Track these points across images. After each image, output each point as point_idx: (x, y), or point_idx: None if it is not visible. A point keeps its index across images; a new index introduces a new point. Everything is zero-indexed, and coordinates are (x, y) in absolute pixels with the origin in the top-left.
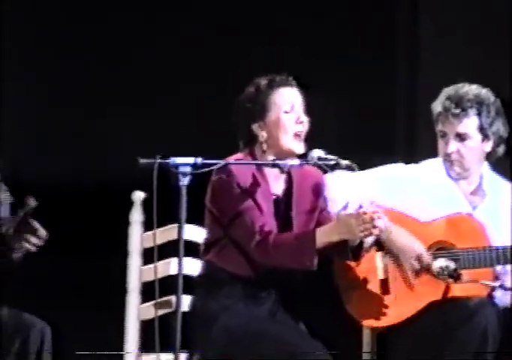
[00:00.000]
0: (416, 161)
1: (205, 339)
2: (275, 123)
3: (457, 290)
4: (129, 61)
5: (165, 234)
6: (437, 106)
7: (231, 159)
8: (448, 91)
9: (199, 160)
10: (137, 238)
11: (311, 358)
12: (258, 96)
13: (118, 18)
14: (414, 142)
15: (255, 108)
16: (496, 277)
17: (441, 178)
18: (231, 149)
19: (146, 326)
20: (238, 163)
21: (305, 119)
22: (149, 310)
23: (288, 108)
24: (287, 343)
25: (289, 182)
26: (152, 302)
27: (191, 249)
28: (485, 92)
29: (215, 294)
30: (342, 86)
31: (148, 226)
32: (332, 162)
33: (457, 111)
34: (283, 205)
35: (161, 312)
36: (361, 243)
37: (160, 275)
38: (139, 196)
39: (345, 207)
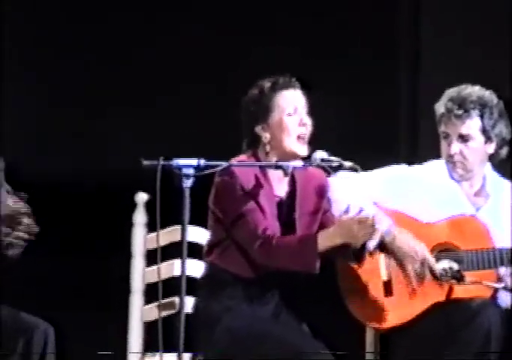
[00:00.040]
0: (416, 161)
1: (208, 340)
2: (278, 125)
3: (460, 292)
4: (129, 61)
5: (168, 235)
6: (440, 108)
7: (234, 161)
8: (451, 92)
9: (202, 161)
10: (140, 239)
11: (313, 359)
12: (262, 98)
13: (118, 18)
14: (415, 142)
15: (258, 110)
16: (500, 279)
17: (444, 179)
18: (231, 149)
19: (149, 327)
20: (241, 165)
21: (308, 121)
22: (153, 312)
23: (291, 110)
24: (290, 344)
25: (292, 184)
26: (156, 303)
27: (194, 250)
28: (488, 94)
29: (217, 295)
30: (342, 86)
31: (151, 227)
32: (336, 164)
33: (460, 112)
34: (286, 207)
35: (164, 313)
36: (363, 246)
37: (163, 277)
38: (142, 197)
39: (347, 210)
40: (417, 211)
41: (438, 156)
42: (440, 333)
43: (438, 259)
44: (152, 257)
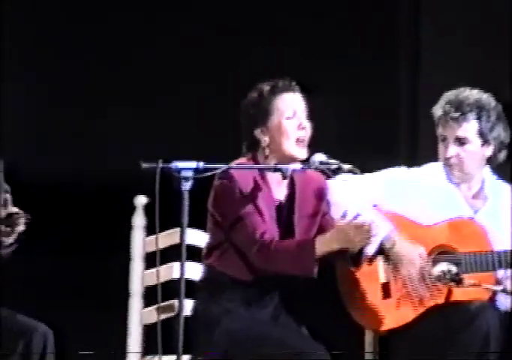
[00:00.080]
0: (416, 161)
1: (207, 342)
2: (277, 128)
3: (459, 294)
4: (129, 61)
5: (167, 238)
6: (437, 110)
7: (234, 164)
8: (449, 95)
9: (201, 164)
10: (140, 242)
11: (312, 359)
12: (261, 101)
13: (118, 18)
14: (415, 142)
15: (258, 113)
16: (498, 281)
17: (442, 182)
18: (231, 149)
19: (148, 330)
20: (239, 168)
21: (307, 125)
22: (152, 314)
23: (290, 114)
24: (289, 346)
25: (292, 187)
26: (155, 306)
27: (194, 253)
28: (486, 97)
29: (217, 298)
30: (342, 86)
31: (150, 230)
32: (334, 166)
33: (456, 115)
34: (285, 211)
35: (163, 316)
36: (361, 250)
37: (162, 279)
38: (141, 200)
39: (344, 215)
40: (415, 214)
41: (437, 156)
42: (439, 335)
43: (436, 261)
44: (151, 260)
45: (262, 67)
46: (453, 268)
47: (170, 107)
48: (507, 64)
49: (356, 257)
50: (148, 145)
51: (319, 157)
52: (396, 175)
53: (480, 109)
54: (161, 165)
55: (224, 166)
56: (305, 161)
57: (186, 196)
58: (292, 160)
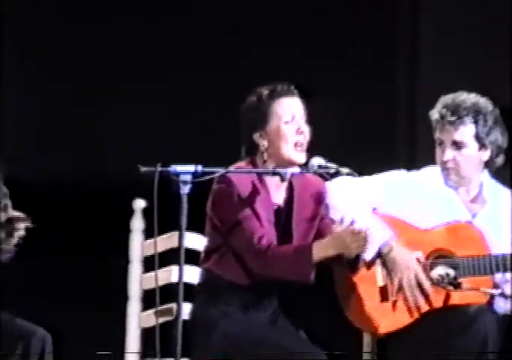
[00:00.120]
0: (415, 162)
1: (205, 345)
2: (275, 132)
3: (457, 298)
4: (129, 61)
5: (166, 242)
6: (434, 114)
7: (232, 168)
8: (445, 99)
9: (199, 168)
10: (138, 245)
11: (308, 359)
12: (260, 105)
13: (118, 18)
14: (414, 142)
15: (256, 117)
16: (496, 285)
17: (440, 185)
18: (231, 150)
19: (147, 333)
20: (238, 172)
21: (306, 129)
22: (150, 318)
23: (289, 118)
24: (286, 349)
25: (290, 191)
26: (153, 310)
27: (192, 257)
28: (483, 101)
29: (214, 301)
30: (342, 86)
31: (149, 233)
32: (333, 170)
33: (453, 119)
34: (284, 214)
35: (161, 320)
36: (358, 256)
37: (161, 283)
38: (139, 204)
39: (341, 221)
40: (413, 217)
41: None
42: (437, 339)
43: (434, 265)
44: (150, 263)
45: (262, 67)
46: (451, 272)
47: (169, 107)
48: (507, 64)
49: (353, 263)
50: (148, 145)
51: (317, 161)
52: (395, 178)
53: (476, 113)
54: (159, 169)
55: (222, 170)
56: (304, 165)
57: (185, 199)
58: (290, 164)
